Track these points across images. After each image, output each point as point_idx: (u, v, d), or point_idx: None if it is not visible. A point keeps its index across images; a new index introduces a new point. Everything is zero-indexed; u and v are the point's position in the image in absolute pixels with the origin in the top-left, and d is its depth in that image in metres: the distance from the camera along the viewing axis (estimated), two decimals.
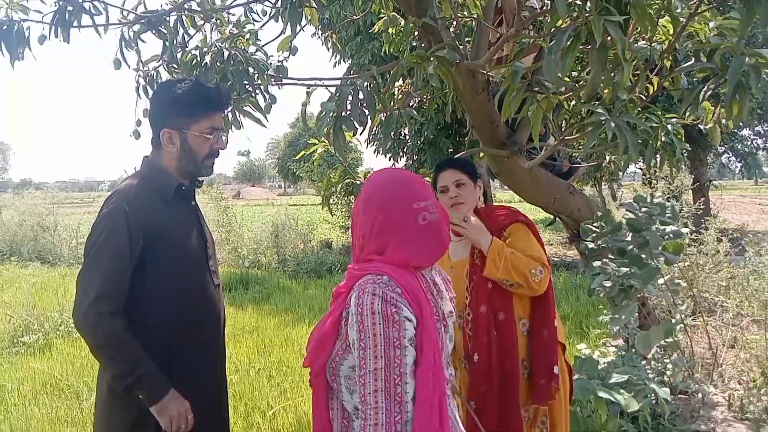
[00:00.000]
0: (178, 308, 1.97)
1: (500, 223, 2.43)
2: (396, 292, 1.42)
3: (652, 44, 2.44)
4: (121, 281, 1.86)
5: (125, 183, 2.01)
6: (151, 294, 1.92)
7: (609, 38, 1.82)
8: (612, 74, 2.17)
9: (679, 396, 3.75)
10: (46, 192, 18.33)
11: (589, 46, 1.91)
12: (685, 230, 3.43)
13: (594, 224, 3.48)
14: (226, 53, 2.89)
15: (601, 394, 2.93)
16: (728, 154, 13.82)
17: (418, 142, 10.90)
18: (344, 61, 10.79)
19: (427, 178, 3.68)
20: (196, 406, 1.96)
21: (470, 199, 2.45)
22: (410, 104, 4.32)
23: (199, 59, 2.94)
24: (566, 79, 2.69)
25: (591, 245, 3.47)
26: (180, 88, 2.01)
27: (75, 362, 5.30)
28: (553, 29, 2.37)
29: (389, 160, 12.00)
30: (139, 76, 3.29)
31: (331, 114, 2.61)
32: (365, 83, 2.58)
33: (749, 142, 13.31)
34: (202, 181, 2.19)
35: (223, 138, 2.12)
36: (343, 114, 2.59)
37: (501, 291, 2.27)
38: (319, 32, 9.62)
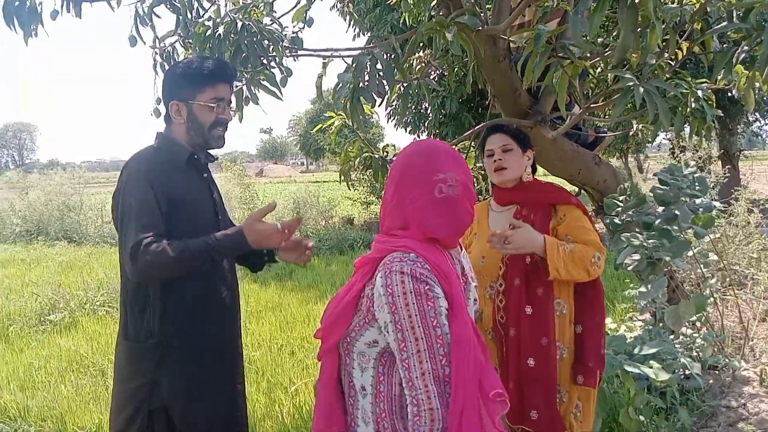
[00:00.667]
0: (189, 280, 1.97)
1: (550, 197, 2.31)
2: (426, 269, 1.36)
3: (683, 6, 2.32)
4: (159, 222, 1.89)
5: (138, 153, 2.05)
6: None
7: None
8: (641, 37, 2.07)
9: (709, 371, 3.66)
10: (72, 172, 18.55)
11: (617, 7, 1.81)
12: (716, 204, 3.31)
13: (619, 198, 3.37)
14: (239, 24, 2.82)
15: (628, 368, 2.86)
16: (760, 122, 13.45)
17: (440, 116, 10.76)
18: (363, 34, 10.64)
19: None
20: (215, 379, 2.02)
21: (515, 166, 2.32)
22: (430, 75, 4.21)
23: (212, 31, 2.87)
24: (593, 44, 2.58)
25: (616, 220, 3.37)
26: (189, 63, 2.09)
27: (100, 340, 5.36)
28: None
29: (410, 134, 11.90)
30: (156, 53, 3.25)
31: (349, 85, 2.54)
32: (383, 53, 2.50)
33: None
34: (215, 157, 2.23)
35: (229, 109, 2.15)
36: (361, 85, 2.52)
37: (540, 267, 2.19)
38: (338, 4, 9.49)
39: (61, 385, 4.28)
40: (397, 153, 3.24)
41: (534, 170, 2.44)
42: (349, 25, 9.26)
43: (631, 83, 2.11)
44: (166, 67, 3.17)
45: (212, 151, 2.23)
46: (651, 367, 2.95)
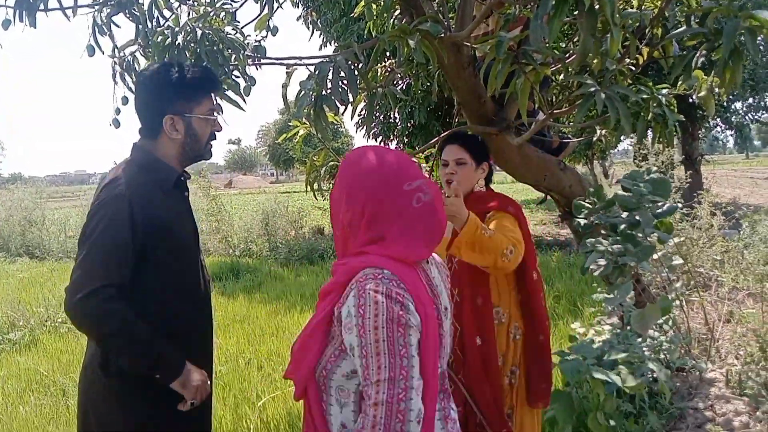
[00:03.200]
0: (176, 306, 1.92)
1: (486, 207, 2.34)
2: (402, 288, 1.27)
3: (643, 11, 2.34)
4: (125, 269, 1.77)
5: (123, 172, 1.89)
6: (150, 291, 1.85)
7: (597, 4, 1.73)
8: (601, 42, 2.07)
9: (676, 373, 3.69)
10: (33, 186, 18.11)
11: (576, 12, 1.81)
12: (677, 205, 3.35)
13: (586, 200, 3.39)
14: (199, 33, 2.77)
15: (597, 374, 2.86)
16: (720, 127, 13.78)
17: (408, 125, 10.79)
18: (330, 44, 10.63)
19: (414, 160, 3.59)
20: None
21: (465, 180, 2.37)
22: (396, 84, 4.21)
23: (171, 40, 2.81)
24: (554, 50, 2.59)
25: (583, 221, 3.38)
26: (175, 72, 1.93)
27: (61, 358, 5.20)
28: None
29: (380, 143, 11.91)
30: (115, 62, 3.17)
31: (311, 93, 2.51)
32: (346, 61, 2.48)
33: (741, 116, 13.25)
34: (189, 174, 2.13)
35: (219, 119, 2.08)
36: (324, 93, 2.49)
37: (478, 274, 2.20)
38: (303, 14, 9.47)
39: (20, 405, 4.14)
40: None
41: (488, 180, 2.49)
42: (312, 33, 9.25)
43: (592, 89, 2.12)
44: (126, 78, 3.10)
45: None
46: (619, 374, 2.96)
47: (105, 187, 1.85)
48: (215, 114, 2.04)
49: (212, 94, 2.04)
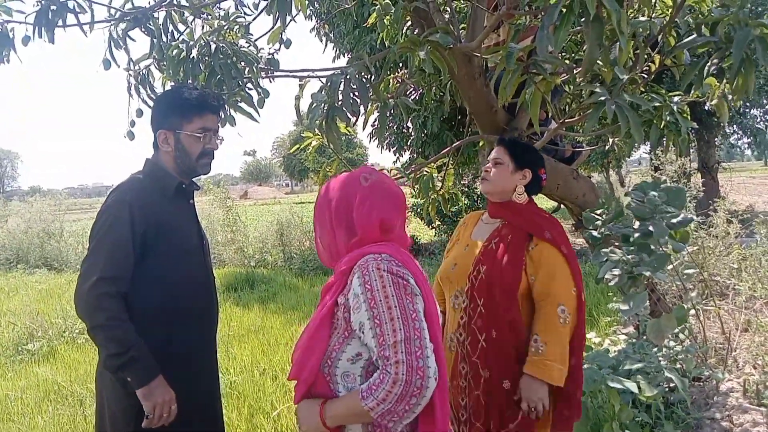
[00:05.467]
0: (176, 298, 2.06)
1: (529, 225, 2.25)
2: (401, 266, 1.41)
3: (652, 19, 2.34)
4: (124, 266, 1.95)
5: (128, 180, 2.11)
6: (151, 283, 2.00)
7: (605, 12, 1.74)
8: (610, 51, 2.08)
9: (693, 383, 3.65)
10: (53, 198, 18.33)
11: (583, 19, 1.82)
12: (692, 216, 3.32)
13: (597, 212, 3.38)
14: (213, 46, 2.81)
15: (612, 383, 2.84)
16: (737, 134, 13.64)
17: (422, 135, 10.80)
18: (343, 56, 10.70)
19: (426, 170, 3.60)
20: (189, 394, 2.04)
21: (498, 180, 2.30)
22: (409, 95, 4.22)
23: (185, 53, 2.85)
24: (565, 60, 2.59)
25: (594, 233, 3.37)
26: (175, 92, 2.18)
27: (79, 368, 5.25)
28: (546, 5, 2.27)
29: (393, 154, 11.94)
30: (130, 75, 3.23)
31: (323, 105, 2.54)
32: (357, 72, 2.50)
33: (758, 120, 13.10)
34: (199, 185, 2.31)
35: (216, 139, 2.21)
36: (336, 104, 2.52)
37: (505, 293, 2.16)
38: (316, 27, 9.55)
39: (38, 416, 4.19)
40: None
41: (533, 191, 2.38)
42: (325, 46, 9.32)
43: (602, 98, 2.12)
44: (141, 91, 3.17)
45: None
46: (636, 383, 2.93)
47: (112, 192, 2.06)
48: (211, 133, 2.17)
49: (210, 116, 2.17)
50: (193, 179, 2.25)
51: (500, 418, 2.13)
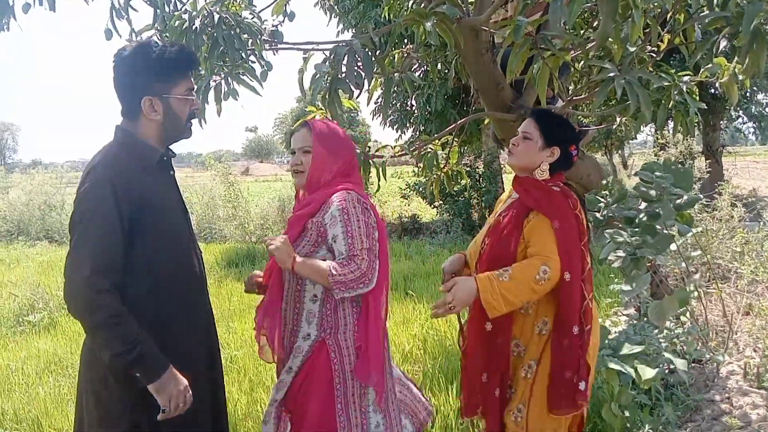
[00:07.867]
0: (167, 278, 1.92)
1: (536, 203, 2.16)
2: (365, 202, 2.12)
3: None
4: (115, 255, 1.78)
5: (104, 155, 1.90)
6: (141, 265, 1.85)
7: None
8: (622, 27, 2.04)
9: (693, 365, 3.65)
10: (54, 171, 18.29)
11: None
12: (699, 197, 3.29)
13: (600, 194, 3.35)
14: (216, 17, 2.76)
15: (612, 365, 2.83)
16: (742, 119, 13.54)
17: (425, 113, 10.73)
18: (348, 30, 10.59)
19: (430, 147, 3.56)
20: (189, 374, 1.89)
21: (522, 154, 2.22)
22: (414, 70, 4.18)
23: (188, 24, 2.81)
24: (574, 34, 2.54)
25: (597, 215, 3.34)
26: (153, 52, 1.90)
27: (79, 340, 5.22)
28: None
29: (396, 131, 11.88)
30: None
31: (326, 77, 2.49)
32: (362, 45, 2.45)
33: (764, 106, 12.99)
34: (175, 153, 2.11)
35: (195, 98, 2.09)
36: (339, 76, 2.47)
37: (501, 266, 2.11)
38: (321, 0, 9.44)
39: (38, 387, 4.20)
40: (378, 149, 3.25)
41: (560, 167, 2.27)
42: (329, 19, 9.20)
43: (611, 74, 2.08)
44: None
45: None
46: (635, 365, 2.92)
47: (88, 174, 1.86)
48: (193, 93, 2.03)
49: (188, 73, 2.01)
50: (170, 146, 2.06)
51: (501, 379, 2.20)
